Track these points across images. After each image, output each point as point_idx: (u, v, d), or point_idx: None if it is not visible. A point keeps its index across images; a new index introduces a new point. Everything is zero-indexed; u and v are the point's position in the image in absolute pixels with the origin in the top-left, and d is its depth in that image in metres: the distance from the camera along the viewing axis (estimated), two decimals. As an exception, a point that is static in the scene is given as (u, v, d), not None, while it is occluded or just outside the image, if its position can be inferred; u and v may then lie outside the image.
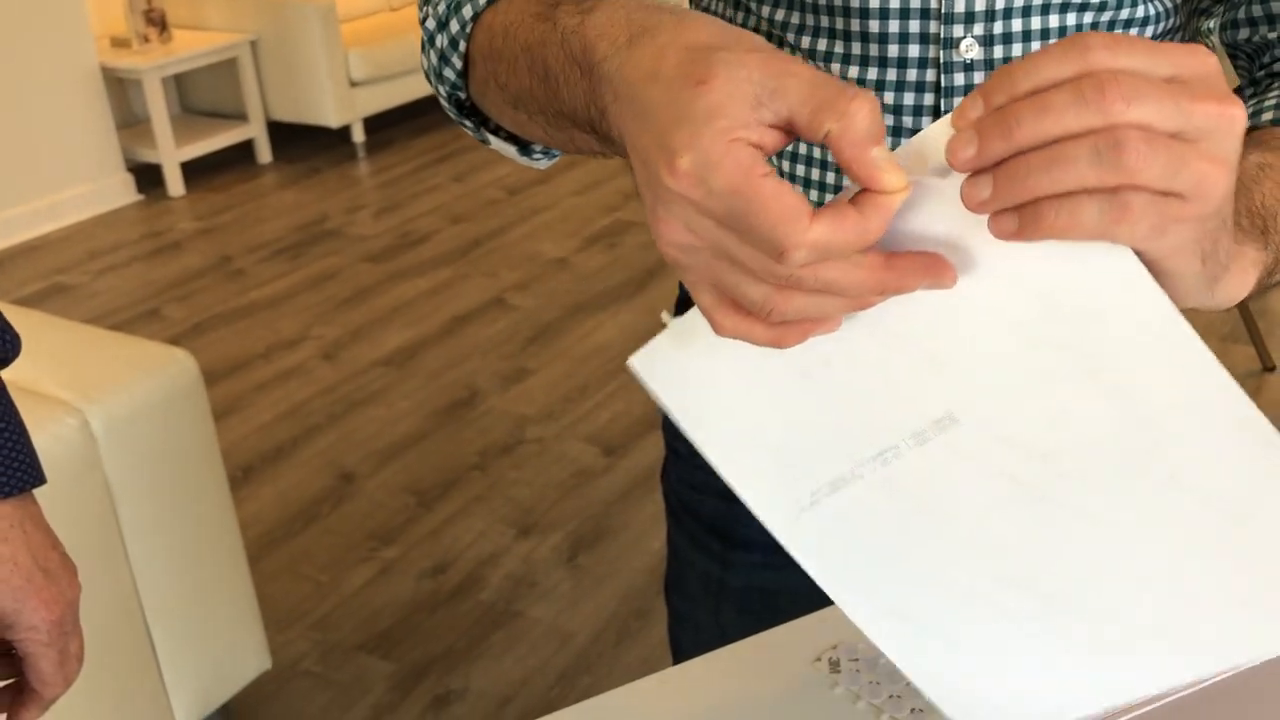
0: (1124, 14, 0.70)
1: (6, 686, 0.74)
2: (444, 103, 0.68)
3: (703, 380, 0.49)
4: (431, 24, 0.65)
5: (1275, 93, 0.67)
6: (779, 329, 0.44)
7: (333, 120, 4.51)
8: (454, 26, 0.63)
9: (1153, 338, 0.42)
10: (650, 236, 0.75)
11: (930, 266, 0.42)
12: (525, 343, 3.06)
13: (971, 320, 0.44)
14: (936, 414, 0.46)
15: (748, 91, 0.40)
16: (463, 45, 0.63)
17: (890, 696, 0.66)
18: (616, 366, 2.89)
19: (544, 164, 0.71)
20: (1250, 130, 0.62)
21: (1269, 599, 0.46)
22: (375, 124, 4.78)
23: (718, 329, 0.45)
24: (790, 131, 0.41)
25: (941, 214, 0.42)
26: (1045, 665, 0.51)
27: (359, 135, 4.64)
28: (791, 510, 0.50)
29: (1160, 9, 0.71)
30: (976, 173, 0.40)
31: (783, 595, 0.88)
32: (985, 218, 0.40)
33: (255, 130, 4.52)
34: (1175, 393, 0.42)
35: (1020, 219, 0.40)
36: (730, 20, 0.76)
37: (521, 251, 3.64)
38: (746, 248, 0.41)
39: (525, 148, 0.69)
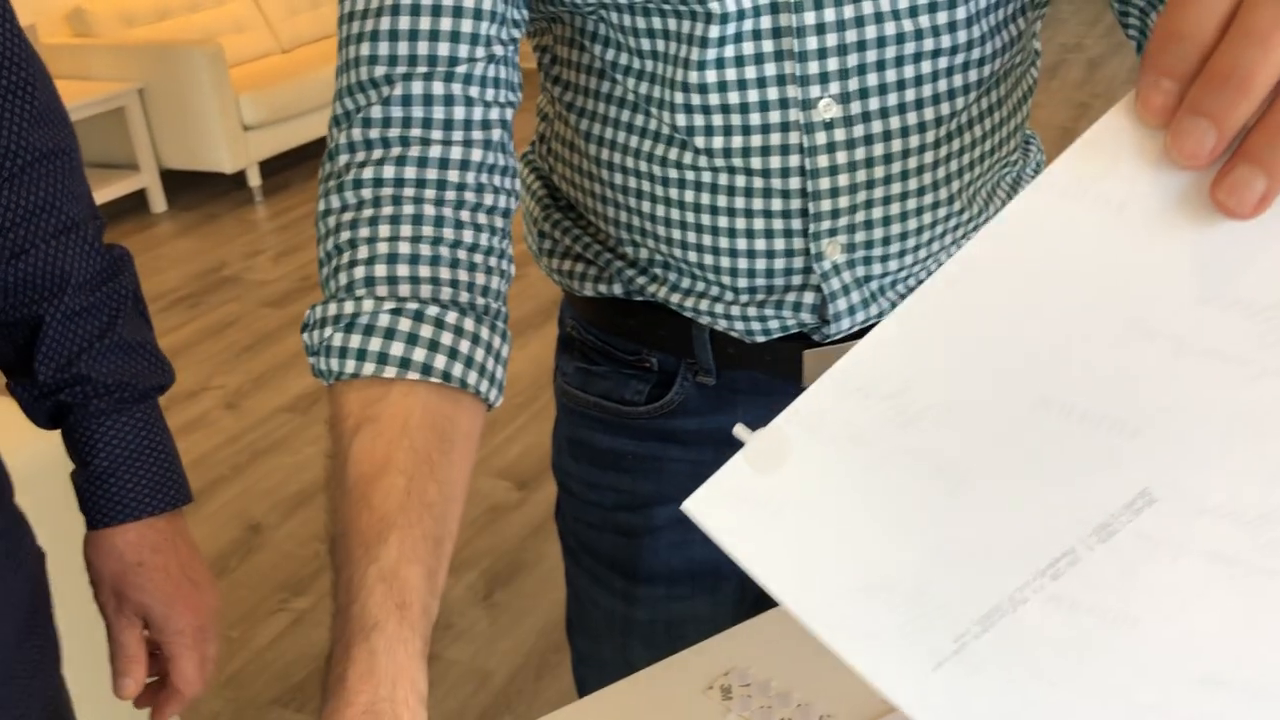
0: (974, 54, 0.72)
1: (150, 684, 0.81)
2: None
3: (792, 522, 0.39)
4: (315, 320, 0.64)
5: None
6: None
7: (227, 166, 4.44)
8: (333, 362, 0.62)
9: None
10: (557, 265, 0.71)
11: None
12: (432, 381, 3.03)
13: (1172, 363, 0.36)
14: (1127, 496, 0.37)
15: None
16: (332, 387, 0.62)
17: None
18: (526, 399, 2.88)
19: None
20: None
21: None
22: (271, 167, 4.72)
23: None
24: None
25: (1120, 240, 0.35)
26: None
27: (255, 179, 4.57)
28: (926, 667, 0.40)
29: (1003, 42, 0.73)
30: (1225, 167, 0.33)
31: (689, 625, 0.88)
32: (1162, 237, 0.34)
33: (148, 179, 4.43)
34: None
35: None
36: (593, 90, 0.75)
37: (425, 289, 3.61)
38: None
39: None
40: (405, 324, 0.61)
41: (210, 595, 0.80)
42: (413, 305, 0.62)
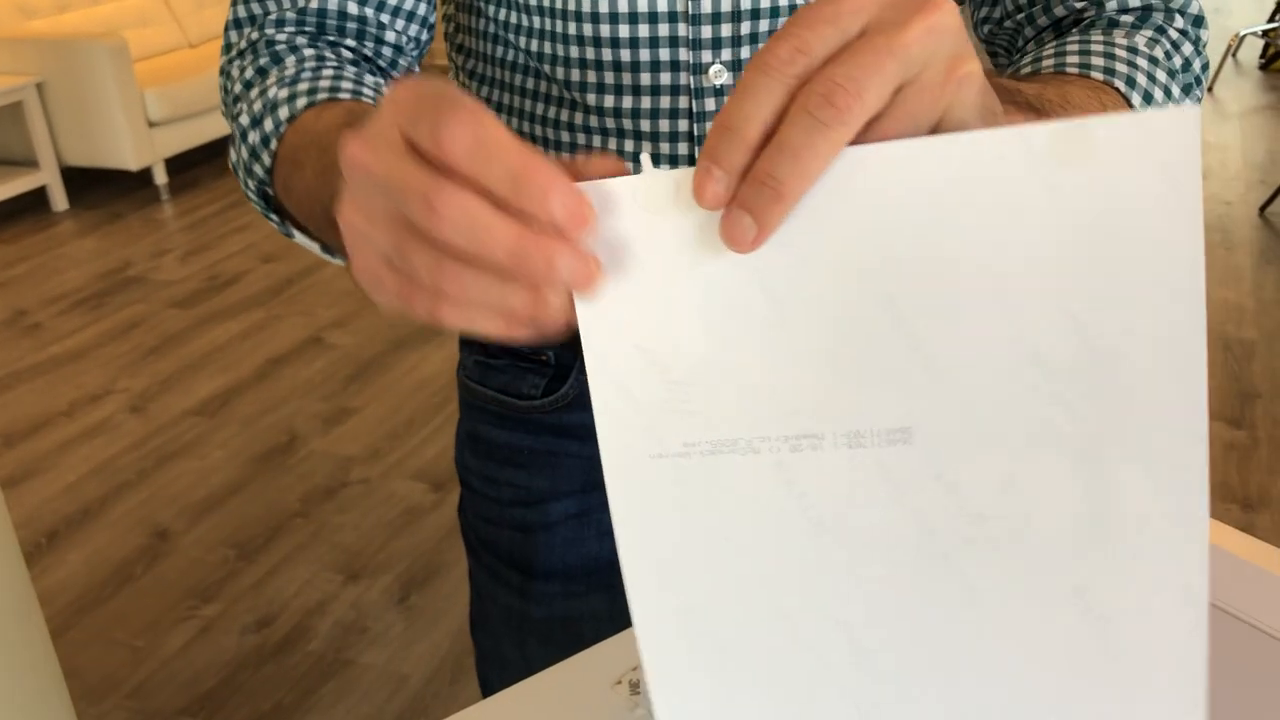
0: None
1: None
2: (251, 197, 0.67)
3: (631, 262, 0.39)
4: (245, 120, 0.64)
5: (1049, 47, 0.69)
6: (440, 303, 0.39)
7: (131, 163, 4.32)
8: (268, 125, 0.62)
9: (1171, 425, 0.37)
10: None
11: (575, 253, 0.37)
12: (346, 381, 2.98)
13: (1002, 343, 0.37)
14: (893, 423, 0.38)
15: None
16: (274, 144, 0.62)
17: (689, 713, 0.67)
18: (443, 399, 2.85)
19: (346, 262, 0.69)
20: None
21: None
22: (178, 165, 4.62)
23: (379, 298, 0.42)
24: None
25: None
26: (812, 717, 0.43)
27: (161, 177, 4.46)
28: (648, 450, 0.40)
29: None
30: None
31: (585, 622, 0.87)
32: (1105, 233, 0.36)
33: (48, 177, 4.30)
34: (1154, 505, 0.38)
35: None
36: (489, 55, 0.77)
37: (338, 287, 3.56)
38: (412, 174, 0.37)
39: (329, 248, 0.67)
40: (350, 70, 0.63)
41: None
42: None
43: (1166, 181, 0.35)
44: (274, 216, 0.67)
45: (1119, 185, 0.35)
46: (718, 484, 0.40)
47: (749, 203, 0.36)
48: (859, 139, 0.36)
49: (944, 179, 0.36)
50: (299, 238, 0.66)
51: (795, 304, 0.38)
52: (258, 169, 0.63)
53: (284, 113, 0.61)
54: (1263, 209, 3.88)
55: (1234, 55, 5.68)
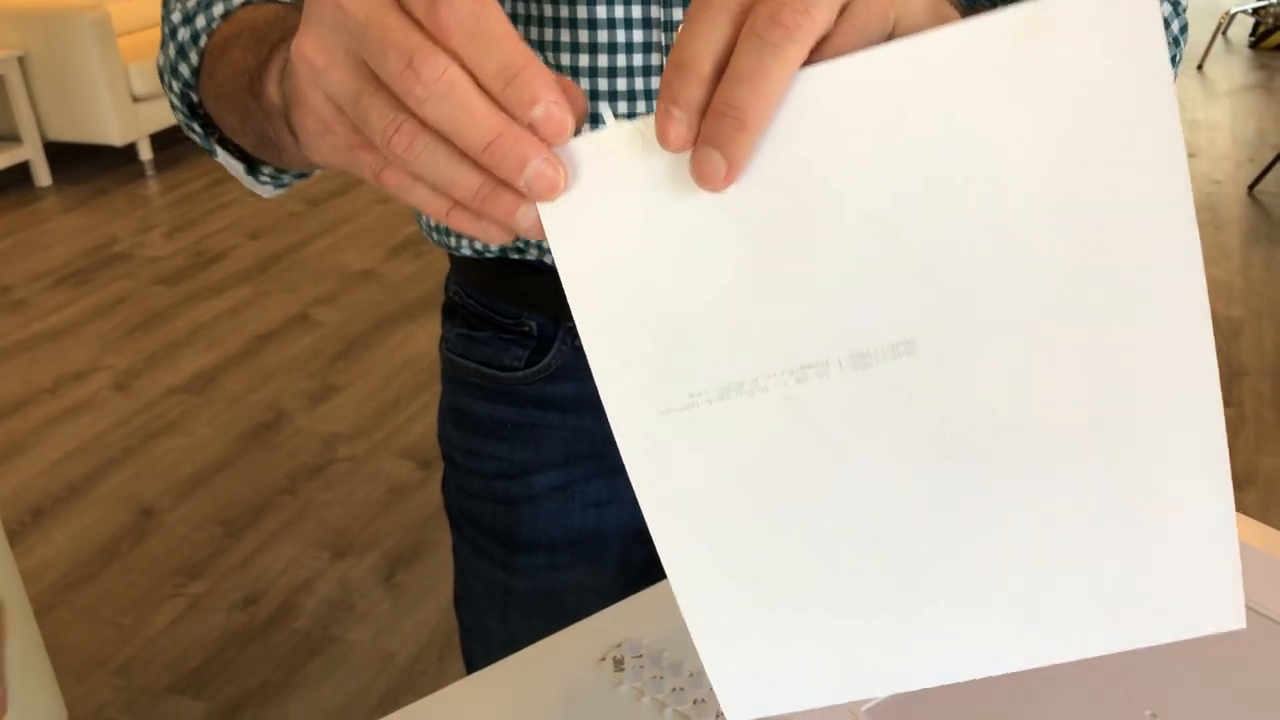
0: None
1: None
2: (175, 101, 0.64)
3: (614, 205, 0.38)
4: (177, 17, 0.62)
5: None
6: (386, 166, 0.38)
7: (116, 138, 4.29)
8: (200, 21, 0.60)
9: (1176, 348, 0.37)
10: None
11: (548, 157, 0.36)
12: (332, 358, 2.97)
13: (995, 243, 0.36)
14: (896, 337, 0.38)
15: None
16: (204, 40, 0.59)
17: (673, 690, 0.66)
18: (429, 377, 2.84)
19: (269, 191, 0.66)
20: None
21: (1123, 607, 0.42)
22: (163, 140, 4.57)
23: (322, 147, 0.40)
24: None
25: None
26: (861, 634, 0.43)
27: (146, 153, 4.43)
28: (654, 408, 0.40)
29: None
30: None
31: (569, 594, 0.87)
32: (1060, 122, 0.35)
33: (31, 152, 4.26)
34: (1166, 389, 0.38)
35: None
36: None
37: (325, 264, 3.54)
38: (396, 28, 0.35)
39: (253, 167, 0.64)
40: None
41: None
42: None
43: (1132, 53, 0.34)
44: (196, 127, 0.64)
45: (1086, 63, 0.35)
46: (730, 428, 0.40)
47: (713, 137, 0.35)
48: (813, 60, 0.36)
49: (908, 84, 0.36)
50: (221, 155, 0.63)
51: (778, 235, 0.37)
52: (184, 68, 0.60)
53: (219, 9, 0.58)
54: (1251, 187, 3.88)
55: (1224, 33, 5.67)
